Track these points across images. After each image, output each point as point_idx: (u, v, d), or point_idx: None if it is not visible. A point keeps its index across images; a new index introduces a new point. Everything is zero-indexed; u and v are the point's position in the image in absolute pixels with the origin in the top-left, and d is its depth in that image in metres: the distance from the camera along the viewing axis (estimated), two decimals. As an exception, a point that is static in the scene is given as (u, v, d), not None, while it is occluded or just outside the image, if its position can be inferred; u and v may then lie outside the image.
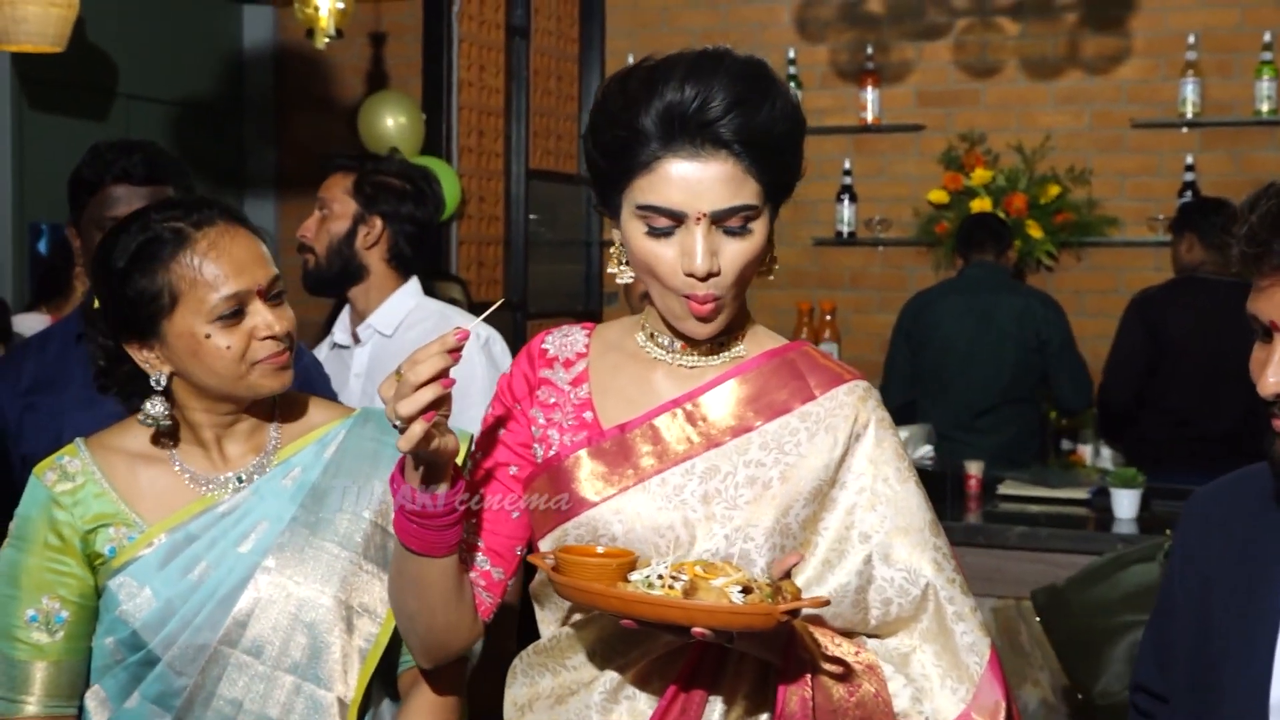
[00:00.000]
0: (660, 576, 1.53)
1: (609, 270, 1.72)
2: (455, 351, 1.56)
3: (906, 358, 5.48)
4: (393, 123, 5.87)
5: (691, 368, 1.73)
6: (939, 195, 6.32)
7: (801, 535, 1.69)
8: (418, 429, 1.54)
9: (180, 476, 1.94)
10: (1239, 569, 1.69)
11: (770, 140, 1.61)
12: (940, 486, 4.34)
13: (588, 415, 1.72)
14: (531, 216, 6.46)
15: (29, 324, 4.37)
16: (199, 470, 1.94)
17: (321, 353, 3.34)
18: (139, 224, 1.90)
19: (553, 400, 1.74)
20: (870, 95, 6.41)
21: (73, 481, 1.91)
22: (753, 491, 1.67)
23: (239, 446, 1.96)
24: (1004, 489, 4.60)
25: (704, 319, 1.64)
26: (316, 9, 5.01)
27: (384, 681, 1.97)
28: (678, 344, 1.72)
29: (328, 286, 3.23)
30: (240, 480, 1.94)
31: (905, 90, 6.45)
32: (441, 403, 1.57)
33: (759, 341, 1.77)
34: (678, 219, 1.60)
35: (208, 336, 1.86)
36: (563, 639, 1.72)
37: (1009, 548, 4.10)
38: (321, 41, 5.04)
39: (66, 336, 2.65)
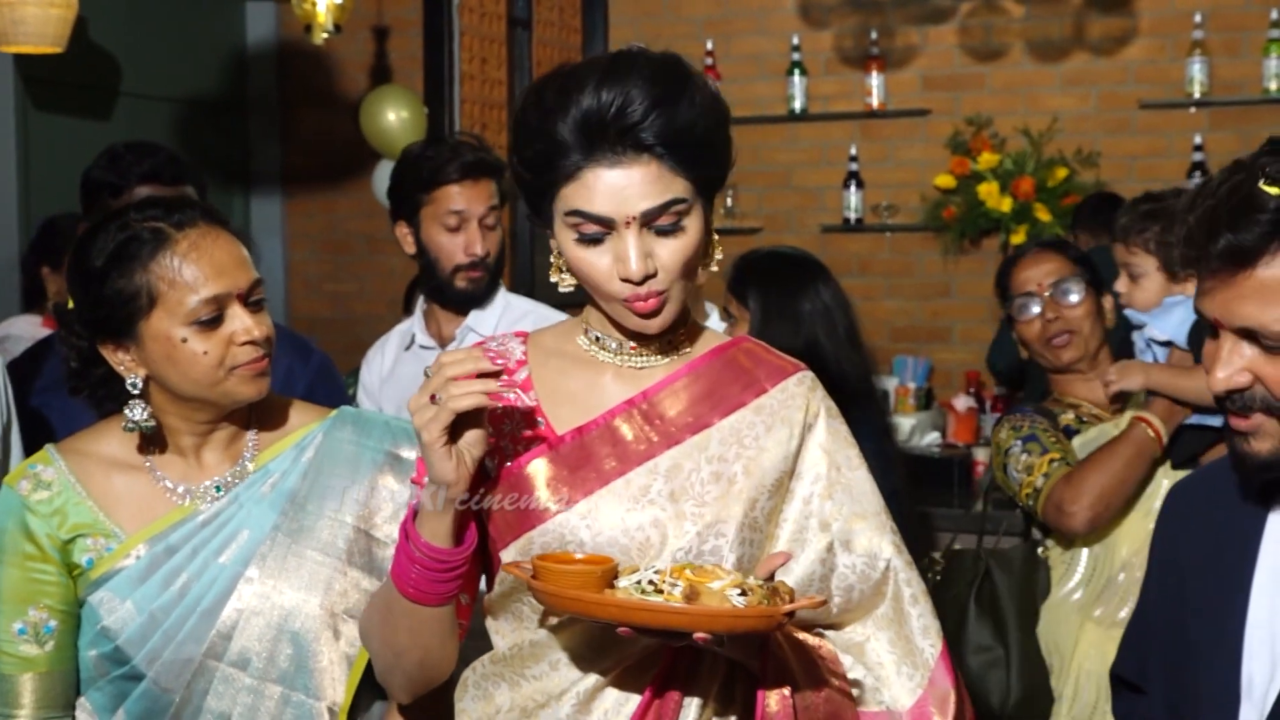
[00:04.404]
0: (652, 582, 1.49)
1: (551, 279, 1.68)
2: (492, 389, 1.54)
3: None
4: (395, 117, 5.85)
5: (640, 368, 1.70)
6: (946, 180, 6.27)
7: (766, 529, 1.68)
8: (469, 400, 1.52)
9: (157, 485, 1.90)
10: (1214, 556, 1.67)
11: (694, 137, 1.57)
12: (947, 473, 4.29)
13: (539, 422, 1.68)
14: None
15: (20, 327, 4.26)
16: (176, 478, 1.91)
17: (390, 350, 3.26)
18: (118, 223, 1.87)
19: (499, 410, 1.67)
20: (875, 80, 6.36)
21: (49, 490, 1.87)
22: (719, 488, 1.65)
23: (216, 453, 1.93)
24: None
25: (650, 315, 1.61)
26: (314, 4, 4.99)
27: (371, 684, 1.93)
28: (627, 345, 1.69)
29: (482, 300, 3.15)
30: (219, 489, 1.91)
31: (910, 75, 6.41)
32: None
33: (705, 340, 1.75)
34: (607, 225, 1.57)
35: (184, 340, 1.82)
36: (525, 648, 1.67)
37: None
38: (319, 37, 5.02)
39: None
